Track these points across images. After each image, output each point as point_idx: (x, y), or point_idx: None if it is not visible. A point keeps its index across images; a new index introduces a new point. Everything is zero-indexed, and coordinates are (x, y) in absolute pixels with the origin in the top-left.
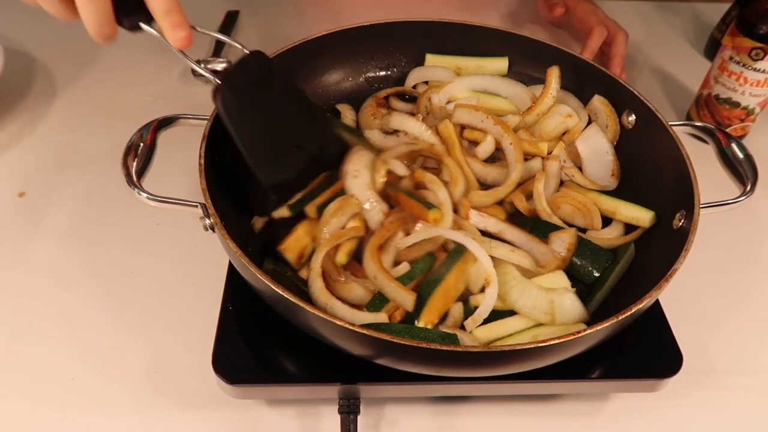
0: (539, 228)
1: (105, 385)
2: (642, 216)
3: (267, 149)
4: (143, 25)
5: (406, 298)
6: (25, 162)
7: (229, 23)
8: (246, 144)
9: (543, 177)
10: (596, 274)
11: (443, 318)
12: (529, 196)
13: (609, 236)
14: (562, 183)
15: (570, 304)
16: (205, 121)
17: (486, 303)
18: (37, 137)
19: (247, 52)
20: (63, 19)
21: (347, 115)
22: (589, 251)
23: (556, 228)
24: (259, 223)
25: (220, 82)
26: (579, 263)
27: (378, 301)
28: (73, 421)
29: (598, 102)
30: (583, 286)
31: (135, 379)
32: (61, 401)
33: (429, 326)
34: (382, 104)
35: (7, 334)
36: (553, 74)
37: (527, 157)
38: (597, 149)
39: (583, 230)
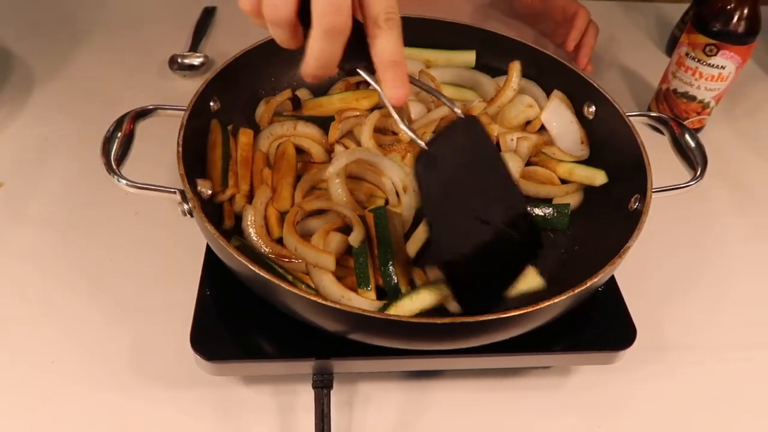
0: None
1: (86, 368)
2: (593, 174)
3: (450, 222)
4: (361, 72)
5: (326, 260)
6: (4, 153)
7: (206, 19)
8: (430, 212)
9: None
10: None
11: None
12: None
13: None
14: (529, 164)
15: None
16: (183, 112)
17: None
18: (15, 129)
19: (462, 116)
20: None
21: (305, 97)
22: None
23: None
24: (205, 186)
25: (426, 146)
26: None
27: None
28: (54, 403)
29: (557, 97)
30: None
31: (115, 361)
32: (41, 383)
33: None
34: (351, 88)
35: None
36: (515, 68)
37: None
38: (563, 120)
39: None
